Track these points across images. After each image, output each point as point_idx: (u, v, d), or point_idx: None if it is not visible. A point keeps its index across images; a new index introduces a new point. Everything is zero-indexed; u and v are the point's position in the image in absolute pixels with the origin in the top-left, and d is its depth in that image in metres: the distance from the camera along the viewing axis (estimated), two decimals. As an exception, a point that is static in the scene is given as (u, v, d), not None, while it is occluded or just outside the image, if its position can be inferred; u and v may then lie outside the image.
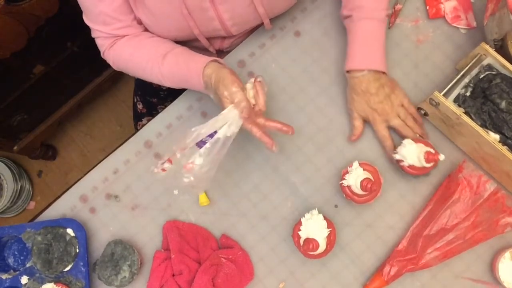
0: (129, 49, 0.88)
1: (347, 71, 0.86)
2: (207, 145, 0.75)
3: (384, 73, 0.85)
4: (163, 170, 0.77)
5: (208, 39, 0.92)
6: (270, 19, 0.89)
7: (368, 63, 0.84)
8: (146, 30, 0.90)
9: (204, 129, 0.76)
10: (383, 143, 0.87)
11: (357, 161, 0.83)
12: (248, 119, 0.77)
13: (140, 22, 0.88)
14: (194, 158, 0.75)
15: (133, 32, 0.89)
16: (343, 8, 0.88)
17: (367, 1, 0.84)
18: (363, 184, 0.78)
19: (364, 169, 0.82)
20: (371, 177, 0.81)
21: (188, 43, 0.94)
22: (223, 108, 0.77)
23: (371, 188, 0.78)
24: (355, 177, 0.81)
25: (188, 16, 0.82)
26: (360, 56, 0.84)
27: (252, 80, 0.81)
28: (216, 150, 0.76)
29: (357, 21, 0.84)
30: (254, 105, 0.78)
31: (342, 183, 0.83)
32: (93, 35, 0.90)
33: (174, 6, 0.81)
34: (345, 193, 0.83)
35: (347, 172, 0.82)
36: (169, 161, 0.76)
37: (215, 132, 0.76)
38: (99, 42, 0.91)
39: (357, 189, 0.81)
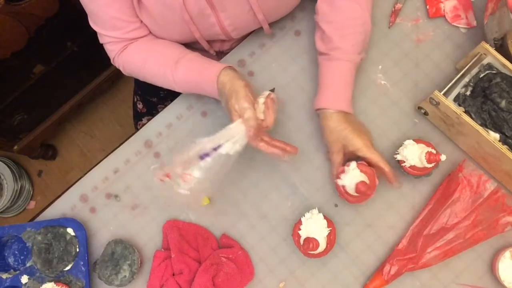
0: (140, 55, 0.88)
1: (317, 109, 0.86)
2: (208, 159, 0.75)
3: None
4: (161, 180, 0.76)
5: (209, 41, 0.92)
6: (269, 23, 0.89)
7: (341, 104, 0.83)
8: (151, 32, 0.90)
9: (209, 143, 0.75)
10: (381, 166, 0.81)
11: (355, 162, 0.82)
12: (254, 137, 0.76)
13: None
14: (193, 170, 0.74)
15: (143, 33, 0.88)
16: (321, 46, 0.87)
17: (345, 44, 0.83)
18: (358, 187, 0.77)
19: (361, 170, 0.81)
20: (366, 180, 0.80)
21: (189, 45, 0.95)
22: (231, 120, 0.77)
23: (365, 192, 0.77)
24: (350, 178, 0.80)
25: (189, 21, 0.83)
26: (335, 97, 0.84)
27: (266, 93, 0.80)
28: (217, 167, 0.75)
29: (334, 60, 0.84)
30: (262, 120, 0.78)
31: (337, 182, 0.83)
32: (102, 41, 0.90)
33: (175, 12, 0.82)
34: (339, 191, 0.83)
35: (343, 172, 0.82)
36: (168, 176, 0.75)
37: (220, 146, 0.75)
38: (109, 48, 0.90)
39: (351, 190, 0.80)
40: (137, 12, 0.84)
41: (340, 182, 0.82)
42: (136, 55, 0.88)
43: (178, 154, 0.75)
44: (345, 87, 0.85)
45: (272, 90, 0.85)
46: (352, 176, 0.80)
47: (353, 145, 0.82)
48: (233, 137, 0.75)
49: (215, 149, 0.75)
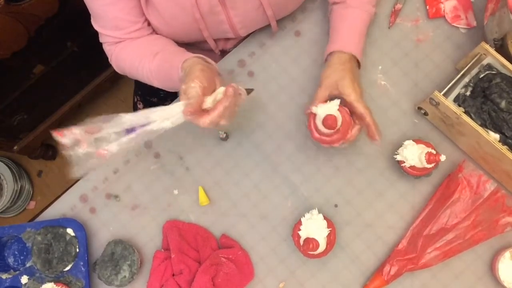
0: (127, 50, 0.87)
1: (327, 57, 0.84)
2: (133, 135, 0.69)
3: (359, 65, 0.85)
4: (67, 146, 0.69)
5: (214, 40, 0.92)
6: (277, 20, 0.89)
7: (353, 48, 0.83)
8: (153, 32, 0.89)
9: (140, 119, 0.68)
10: (366, 118, 0.77)
11: (338, 100, 0.78)
12: (193, 116, 0.68)
13: (149, 24, 0.88)
14: (112, 146, 0.68)
15: (145, 34, 0.87)
16: None
17: None
18: (326, 118, 0.73)
19: (340, 112, 0.77)
20: (339, 118, 0.75)
21: (194, 44, 0.95)
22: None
23: (331, 125, 0.73)
24: (325, 109, 0.75)
25: (200, 20, 0.83)
26: (348, 40, 0.84)
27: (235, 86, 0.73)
28: (137, 141, 0.69)
29: (350, 8, 0.85)
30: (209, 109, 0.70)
31: (311, 108, 0.78)
32: (102, 40, 0.88)
33: (186, 10, 0.81)
34: (308, 122, 0.79)
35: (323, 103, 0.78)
36: (60, 134, 0.68)
37: (149, 123, 0.69)
38: (107, 48, 0.89)
39: (319, 122, 0.76)
40: (144, 11, 0.84)
41: (314, 109, 0.77)
42: (124, 50, 0.87)
43: (96, 121, 0.69)
44: (359, 35, 0.84)
45: (249, 90, 0.79)
46: (327, 108, 0.75)
47: (344, 86, 0.78)
48: (167, 116, 0.69)
49: (143, 125, 0.69)
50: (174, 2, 0.81)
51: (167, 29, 0.86)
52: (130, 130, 0.70)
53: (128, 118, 0.69)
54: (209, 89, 0.71)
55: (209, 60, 0.78)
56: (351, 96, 0.78)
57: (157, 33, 0.89)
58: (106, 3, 0.81)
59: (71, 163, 0.69)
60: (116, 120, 0.69)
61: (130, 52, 0.86)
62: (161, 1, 0.81)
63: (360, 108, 0.77)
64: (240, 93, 0.73)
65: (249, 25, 0.89)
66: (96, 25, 0.86)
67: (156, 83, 0.84)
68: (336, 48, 0.83)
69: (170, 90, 0.85)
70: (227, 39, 0.95)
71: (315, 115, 0.77)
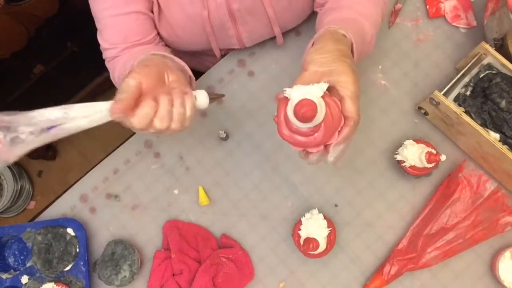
0: (122, 60, 0.80)
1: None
2: (44, 135, 0.61)
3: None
4: None
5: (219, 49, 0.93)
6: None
7: (350, 31, 0.65)
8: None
9: (43, 111, 0.62)
10: (347, 127, 0.58)
11: (326, 84, 0.56)
12: (123, 115, 0.59)
13: (159, 35, 0.85)
14: (20, 147, 0.61)
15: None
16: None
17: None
18: (301, 104, 0.51)
19: (326, 102, 0.55)
20: (322, 109, 0.53)
21: (197, 50, 0.95)
22: None
23: (305, 115, 0.51)
24: (304, 92, 0.53)
25: (210, 33, 0.84)
26: (341, 19, 0.68)
27: (198, 92, 0.65)
28: (49, 139, 0.62)
29: (346, 11, 0.72)
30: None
31: (284, 91, 0.56)
32: (106, 55, 0.82)
33: (197, 24, 0.82)
34: (278, 112, 0.57)
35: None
36: None
37: (71, 119, 0.62)
38: (109, 64, 0.82)
39: (291, 113, 0.54)
40: (156, 22, 0.82)
41: (287, 91, 0.55)
42: (120, 60, 0.80)
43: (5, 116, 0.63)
44: (357, 31, 0.67)
45: (214, 96, 0.70)
46: (306, 92, 0.53)
47: (341, 73, 0.57)
48: (87, 113, 0.61)
49: (61, 123, 0.62)
50: (186, 15, 0.81)
51: (175, 39, 0.87)
52: (50, 128, 0.62)
53: (42, 114, 0.61)
54: (155, 86, 0.61)
55: (175, 58, 0.71)
56: (349, 88, 0.57)
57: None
58: (116, 14, 0.76)
59: None
60: (28, 116, 0.62)
61: (123, 62, 0.79)
62: (173, 14, 0.81)
63: (351, 108, 0.57)
64: (186, 92, 0.63)
65: (256, 39, 0.91)
66: (101, 39, 0.80)
67: None
68: (327, 27, 0.65)
69: None
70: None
71: (287, 101, 0.55)
